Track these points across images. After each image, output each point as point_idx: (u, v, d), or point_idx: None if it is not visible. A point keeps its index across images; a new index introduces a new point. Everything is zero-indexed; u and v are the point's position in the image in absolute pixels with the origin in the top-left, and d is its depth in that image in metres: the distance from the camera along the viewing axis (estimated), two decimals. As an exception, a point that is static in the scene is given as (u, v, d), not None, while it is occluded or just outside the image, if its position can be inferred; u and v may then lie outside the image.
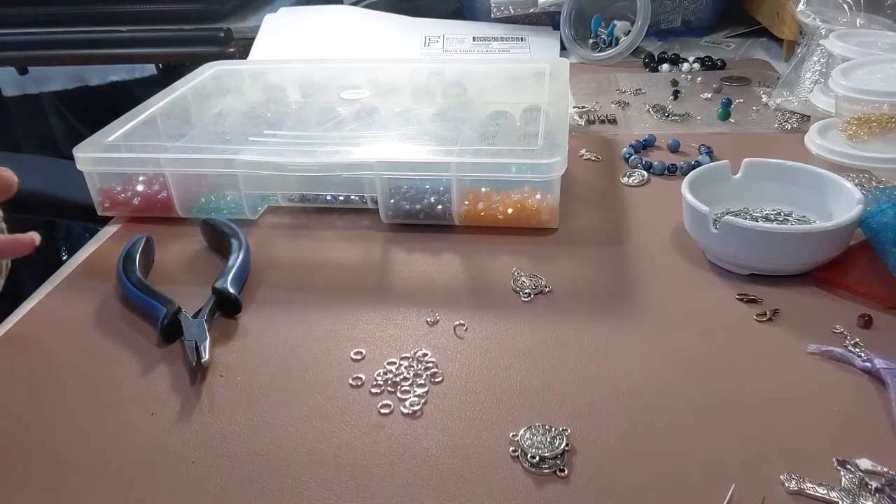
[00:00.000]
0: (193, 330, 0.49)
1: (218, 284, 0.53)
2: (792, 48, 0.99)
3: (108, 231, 0.67)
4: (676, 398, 0.43)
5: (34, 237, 0.54)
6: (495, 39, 1.12)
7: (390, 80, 0.84)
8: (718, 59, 1.02)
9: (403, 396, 0.45)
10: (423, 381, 0.46)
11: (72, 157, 0.65)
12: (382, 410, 0.44)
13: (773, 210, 0.60)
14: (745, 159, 0.61)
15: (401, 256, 0.60)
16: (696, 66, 1.01)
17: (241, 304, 0.54)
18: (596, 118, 0.86)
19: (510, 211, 0.62)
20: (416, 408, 0.44)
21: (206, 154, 0.65)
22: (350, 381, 0.46)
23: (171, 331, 0.50)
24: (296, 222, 0.67)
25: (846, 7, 0.82)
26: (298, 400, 0.45)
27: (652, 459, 0.39)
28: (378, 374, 0.46)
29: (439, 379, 0.46)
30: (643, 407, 0.43)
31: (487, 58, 1.09)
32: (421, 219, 0.63)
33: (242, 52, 1.16)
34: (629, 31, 1.03)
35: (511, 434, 0.41)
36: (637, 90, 0.94)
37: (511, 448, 0.40)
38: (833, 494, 0.36)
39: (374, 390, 0.45)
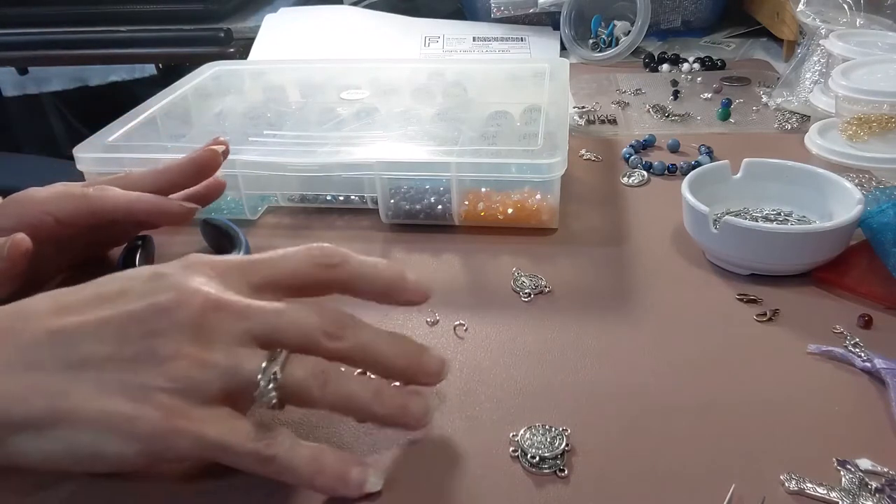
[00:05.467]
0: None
1: (218, 284, 0.53)
2: (792, 48, 0.99)
3: (108, 231, 0.67)
4: (676, 398, 0.43)
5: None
6: (495, 39, 1.12)
7: (390, 81, 0.84)
8: (718, 59, 1.01)
9: (403, 396, 0.45)
10: (423, 381, 0.46)
11: (72, 157, 0.65)
12: (382, 410, 0.44)
13: (773, 210, 0.60)
14: (745, 159, 0.61)
15: (401, 256, 0.60)
16: (696, 66, 1.01)
17: (241, 304, 0.53)
18: (596, 118, 0.86)
19: (510, 211, 0.62)
20: (416, 408, 0.44)
21: (206, 154, 0.65)
22: (350, 381, 0.46)
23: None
24: (296, 222, 0.67)
25: (846, 7, 0.82)
26: (298, 400, 0.45)
27: (652, 459, 0.39)
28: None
29: (439, 379, 0.46)
30: (643, 407, 0.43)
31: (487, 58, 1.09)
32: (421, 219, 0.63)
33: (242, 52, 1.16)
34: (629, 31, 1.03)
35: (511, 434, 0.41)
36: (637, 90, 0.94)
37: (511, 448, 0.40)
38: (833, 494, 0.36)
39: (374, 390, 0.45)
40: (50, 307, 0.35)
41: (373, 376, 0.38)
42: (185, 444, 0.33)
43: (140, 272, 0.36)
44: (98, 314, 0.34)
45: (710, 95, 0.91)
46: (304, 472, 0.35)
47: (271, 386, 0.33)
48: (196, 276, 0.35)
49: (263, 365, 0.34)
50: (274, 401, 0.34)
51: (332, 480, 0.35)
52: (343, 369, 0.36)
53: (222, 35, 1.22)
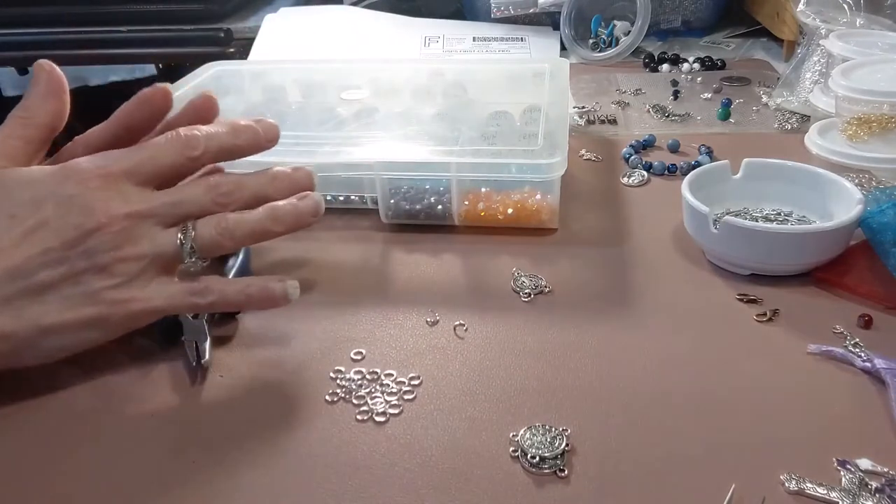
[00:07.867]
0: (193, 330, 0.49)
1: (218, 284, 0.53)
2: (792, 48, 0.99)
3: (108, 231, 0.67)
4: (676, 398, 0.43)
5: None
6: (495, 39, 1.12)
7: (390, 81, 0.84)
8: (718, 59, 1.01)
9: (405, 396, 0.45)
10: (423, 381, 0.46)
11: (72, 157, 0.65)
12: (382, 410, 0.44)
13: (773, 210, 0.60)
14: (745, 159, 0.61)
15: (401, 256, 0.60)
16: (696, 66, 1.01)
17: (240, 304, 0.54)
18: (596, 118, 0.86)
19: (510, 211, 0.62)
20: (416, 408, 0.44)
21: (206, 154, 0.65)
22: (352, 381, 0.46)
23: (171, 331, 0.50)
24: (296, 222, 0.66)
25: (846, 7, 0.82)
26: (298, 400, 0.45)
27: (652, 459, 0.39)
28: (379, 374, 0.47)
29: (439, 379, 0.46)
30: (643, 406, 0.43)
31: (487, 58, 1.08)
32: (421, 219, 0.63)
33: (242, 52, 1.16)
34: (629, 31, 1.03)
35: (511, 434, 0.41)
36: (637, 90, 0.94)
37: (511, 448, 0.40)
38: (833, 494, 0.36)
39: (374, 390, 0.45)
40: None
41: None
42: (145, 317, 0.45)
43: (39, 192, 0.42)
44: (38, 247, 0.41)
45: (710, 95, 0.91)
46: (239, 302, 0.47)
47: (191, 248, 0.44)
48: (97, 193, 0.43)
49: (179, 238, 0.44)
50: (198, 260, 0.45)
51: (261, 300, 0.47)
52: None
53: (222, 35, 1.22)
